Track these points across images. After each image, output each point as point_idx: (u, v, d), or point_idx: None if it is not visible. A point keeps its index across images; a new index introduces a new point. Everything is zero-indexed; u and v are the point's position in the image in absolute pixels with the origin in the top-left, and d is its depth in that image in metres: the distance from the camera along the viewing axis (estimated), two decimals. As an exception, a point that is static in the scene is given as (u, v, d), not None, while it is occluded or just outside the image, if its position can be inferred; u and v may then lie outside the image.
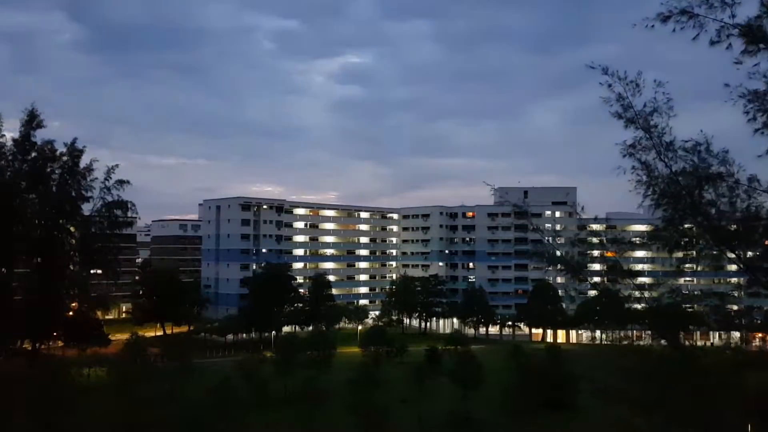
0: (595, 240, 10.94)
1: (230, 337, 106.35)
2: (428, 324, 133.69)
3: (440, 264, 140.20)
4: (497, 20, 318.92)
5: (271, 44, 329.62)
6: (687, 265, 10.33)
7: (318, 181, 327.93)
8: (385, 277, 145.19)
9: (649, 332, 10.73)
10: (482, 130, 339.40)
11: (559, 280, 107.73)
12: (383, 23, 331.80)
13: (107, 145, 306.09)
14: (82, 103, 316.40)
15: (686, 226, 9.89)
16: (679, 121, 9.59)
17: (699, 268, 10.63)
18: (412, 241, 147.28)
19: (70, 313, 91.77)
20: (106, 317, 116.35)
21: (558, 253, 10.89)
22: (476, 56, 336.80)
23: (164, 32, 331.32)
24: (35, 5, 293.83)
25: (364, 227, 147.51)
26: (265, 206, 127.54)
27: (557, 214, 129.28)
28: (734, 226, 9.42)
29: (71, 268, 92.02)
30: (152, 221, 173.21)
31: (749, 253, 9.62)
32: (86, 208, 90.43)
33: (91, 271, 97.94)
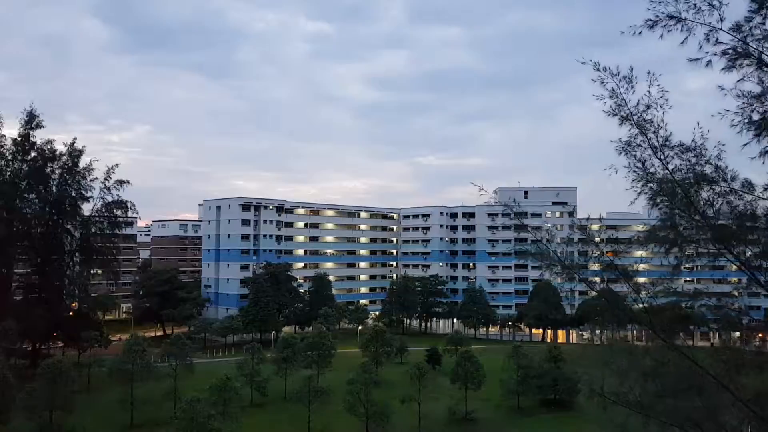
0: (590, 240, 10.88)
1: (230, 337, 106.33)
2: (428, 324, 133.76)
3: (440, 264, 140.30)
4: (530, 23, 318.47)
5: (300, 47, 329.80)
6: (686, 264, 10.29)
7: (344, 183, 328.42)
8: (386, 277, 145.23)
9: (648, 333, 10.68)
10: (511, 131, 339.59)
11: (559, 280, 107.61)
12: (412, 27, 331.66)
13: (132, 144, 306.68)
14: (106, 104, 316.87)
15: (683, 225, 9.85)
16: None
17: (698, 267, 10.58)
18: (412, 241, 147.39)
19: (70, 313, 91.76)
20: (106, 317, 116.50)
21: (559, 252, 10.83)
22: (507, 59, 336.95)
23: (193, 34, 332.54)
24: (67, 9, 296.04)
25: (364, 227, 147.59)
26: (265, 206, 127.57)
27: (557, 214, 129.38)
28: (732, 225, 9.37)
29: (71, 268, 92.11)
30: (152, 221, 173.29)
31: (747, 253, 9.58)
32: (86, 208, 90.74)
33: (91, 271, 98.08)
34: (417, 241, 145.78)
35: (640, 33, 8.80)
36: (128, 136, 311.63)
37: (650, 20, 8.70)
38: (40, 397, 52.72)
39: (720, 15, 8.42)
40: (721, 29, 8.51)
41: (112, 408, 61.68)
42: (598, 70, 9.44)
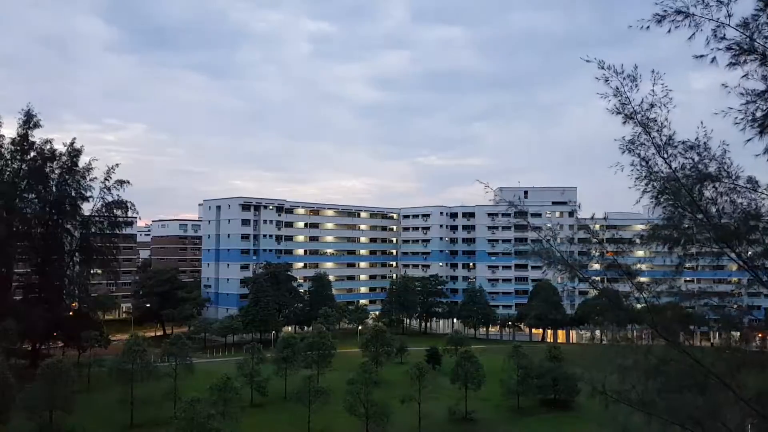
0: (592, 239, 10.87)
1: (230, 337, 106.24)
2: (428, 324, 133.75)
3: (440, 264, 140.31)
4: (531, 23, 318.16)
5: (302, 47, 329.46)
6: (687, 264, 10.27)
7: (344, 183, 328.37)
8: (385, 277, 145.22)
9: (649, 332, 10.68)
10: (512, 132, 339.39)
11: (560, 279, 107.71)
12: (414, 27, 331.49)
13: (133, 144, 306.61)
14: (107, 104, 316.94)
15: (686, 224, 9.83)
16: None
17: (699, 267, 10.56)
18: (412, 241, 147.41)
19: (70, 313, 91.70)
20: (106, 317, 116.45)
21: (558, 252, 10.82)
22: (508, 60, 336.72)
23: (195, 34, 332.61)
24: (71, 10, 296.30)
25: (364, 227, 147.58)
26: (265, 206, 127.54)
27: (557, 214, 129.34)
28: (735, 224, 9.35)
29: (71, 268, 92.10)
30: (152, 221, 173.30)
31: (750, 252, 9.56)
32: (86, 208, 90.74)
33: (91, 271, 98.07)
34: (417, 241, 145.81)
35: (647, 27, 8.77)
36: (128, 136, 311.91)
37: (658, 14, 8.67)
38: (40, 397, 52.70)
39: (728, 11, 8.40)
40: (728, 25, 8.49)
41: (112, 408, 61.71)
42: (602, 68, 9.42)
